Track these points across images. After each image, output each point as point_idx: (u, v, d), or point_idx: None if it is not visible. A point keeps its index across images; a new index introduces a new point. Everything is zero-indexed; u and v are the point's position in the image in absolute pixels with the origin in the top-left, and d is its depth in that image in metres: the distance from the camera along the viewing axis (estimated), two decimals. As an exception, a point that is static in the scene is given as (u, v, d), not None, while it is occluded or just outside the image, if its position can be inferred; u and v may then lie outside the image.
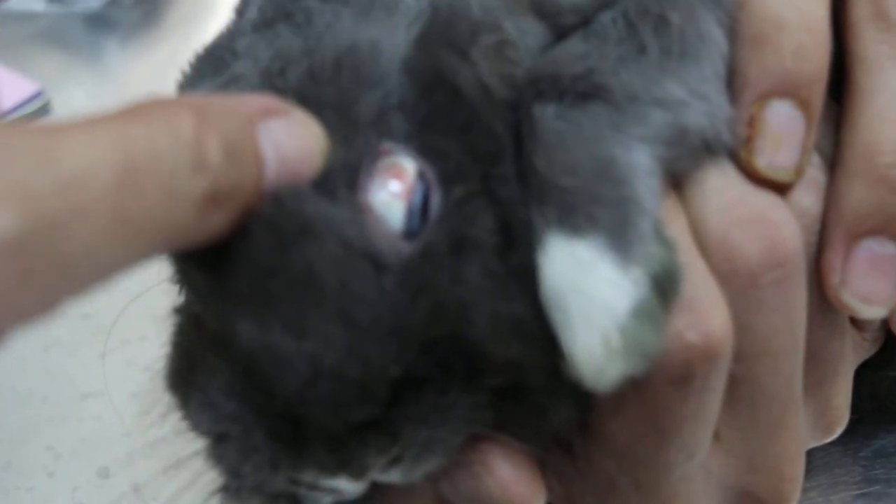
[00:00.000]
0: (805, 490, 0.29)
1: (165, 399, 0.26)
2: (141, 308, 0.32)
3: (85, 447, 0.41)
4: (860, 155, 0.26)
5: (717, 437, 0.26)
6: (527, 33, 0.25)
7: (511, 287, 0.23)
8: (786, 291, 0.25)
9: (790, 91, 0.25)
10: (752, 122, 0.25)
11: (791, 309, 0.25)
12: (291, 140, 0.22)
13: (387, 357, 0.22)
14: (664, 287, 0.22)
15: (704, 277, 0.24)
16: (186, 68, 0.27)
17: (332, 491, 0.23)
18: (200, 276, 0.23)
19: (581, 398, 0.23)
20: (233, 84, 0.24)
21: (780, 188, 0.26)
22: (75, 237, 0.18)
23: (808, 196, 0.27)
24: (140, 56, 0.66)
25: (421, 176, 0.23)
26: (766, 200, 0.26)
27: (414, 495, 0.26)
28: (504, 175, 0.24)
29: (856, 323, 0.30)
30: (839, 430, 0.30)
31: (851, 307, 0.26)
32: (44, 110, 0.59)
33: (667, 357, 0.23)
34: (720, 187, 0.25)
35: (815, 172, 0.27)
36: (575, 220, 0.22)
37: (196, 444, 0.25)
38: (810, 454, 0.29)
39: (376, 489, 0.24)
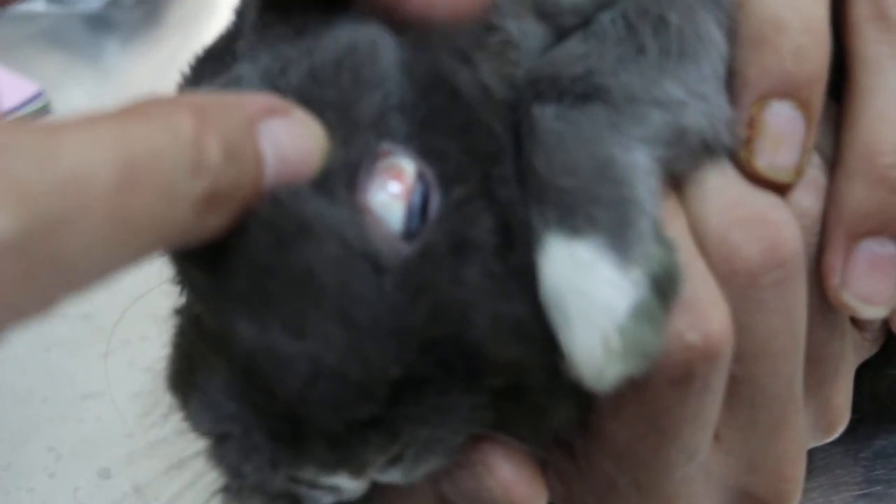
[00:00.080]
0: (806, 491, 0.29)
1: (166, 400, 0.26)
2: (142, 309, 0.32)
3: (86, 448, 0.41)
4: (860, 155, 0.26)
5: (717, 437, 0.27)
6: (527, 34, 0.25)
7: (511, 287, 0.23)
8: (786, 292, 0.25)
9: (790, 92, 0.25)
10: (752, 123, 0.25)
11: (791, 309, 0.25)
12: (291, 140, 0.22)
13: (386, 357, 0.22)
14: (664, 287, 0.23)
15: (704, 278, 0.24)
16: (186, 70, 0.27)
17: (333, 489, 0.23)
18: (200, 276, 0.23)
19: (581, 398, 0.23)
20: (233, 85, 0.24)
21: (781, 189, 0.26)
22: (74, 236, 0.18)
23: (808, 196, 0.27)
24: (140, 56, 0.66)
25: (420, 177, 0.23)
26: (766, 201, 0.26)
27: (414, 496, 0.26)
28: (503, 175, 0.24)
29: (856, 323, 0.30)
30: (840, 430, 0.30)
31: (852, 307, 0.26)
32: (44, 111, 0.59)
33: (667, 357, 0.23)
34: (720, 188, 0.25)
35: (816, 173, 0.27)
36: (574, 220, 0.22)
37: (197, 444, 0.25)
38: (811, 455, 0.29)
39: (377, 489, 0.24)
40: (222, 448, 0.23)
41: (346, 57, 0.24)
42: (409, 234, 0.23)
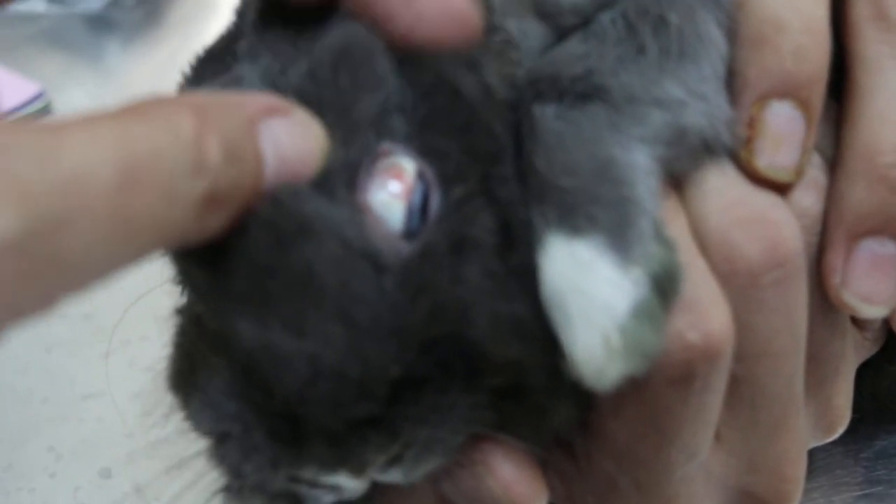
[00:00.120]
0: (807, 491, 0.29)
1: (167, 399, 0.26)
2: (142, 308, 0.32)
3: (86, 448, 0.41)
4: (860, 155, 0.26)
5: (717, 437, 0.27)
6: (528, 34, 0.25)
7: (511, 287, 0.23)
8: (786, 291, 0.25)
9: (790, 92, 0.25)
10: (752, 123, 0.25)
11: (792, 309, 0.25)
12: (292, 140, 0.22)
13: (386, 357, 0.22)
14: (664, 287, 0.23)
15: (705, 277, 0.24)
16: (187, 70, 0.27)
17: (333, 489, 0.23)
18: (200, 276, 0.23)
19: (581, 398, 0.23)
20: (234, 85, 0.24)
21: (781, 188, 0.26)
22: (74, 236, 0.18)
23: (808, 196, 0.27)
24: (141, 57, 0.66)
25: (420, 176, 0.23)
26: (766, 201, 0.26)
27: (415, 495, 0.26)
28: (504, 175, 0.24)
29: (857, 322, 0.30)
30: (840, 430, 0.30)
31: (852, 307, 0.26)
32: (45, 111, 0.59)
33: (667, 357, 0.23)
34: (720, 187, 0.25)
35: (816, 172, 0.27)
36: (575, 220, 0.22)
37: (197, 444, 0.25)
38: (812, 455, 0.29)
39: (377, 489, 0.24)
40: (223, 448, 0.23)
41: (345, 57, 0.24)
42: (409, 233, 0.23)
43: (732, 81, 0.26)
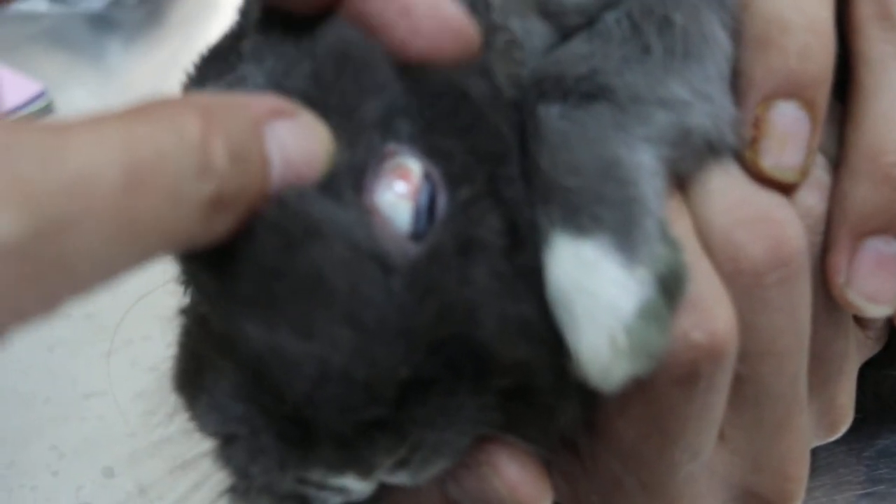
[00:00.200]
0: (809, 490, 0.29)
1: (170, 399, 0.26)
2: (144, 308, 0.32)
3: (88, 447, 0.41)
4: (865, 155, 0.26)
5: (721, 436, 0.27)
6: (532, 34, 0.25)
7: (518, 288, 0.23)
8: (790, 291, 0.25)
9: (795, 92, 0.25)
10: (758, 124, 0.25)
11: (795, 308, 0.25)
12: (297, 142, 0.22)
13: (394, 358, 0.22)
14: (669, 287, 0.23)
15: (709, 277, 0.24)
16: (191, 69, 0.27)
17: (341, 490, 0.23)
18: (207, 278, 0.23)
19: (587, 398, 0.23)
20: (238, 85, 0.24)
21: (786, 189, 0.26)
22: (79, 238, 0.17)
23: (812, 196, 0.27)
24: (143, 56, 0.66)
25: (427, 177, 0.23)
26: (770, 200, 0.26)
27: (421, 496, 0.26)
28: (510, 175, 0.23)
29: (859, 321, 0.30)
30: (844, 429, 0.30)
31: (857, 306, 0.26)
32: (47, 110, 0.59)
33: (672, 357, 0.23)
34: (724, 187, 0.25)
35: (820, 172, 0.27)
36: (580, 220, 0.22)
37: (201, 444, 0.25)
38: (814, 454, 0.29)
39: (383, 490, 0.24)
40: (229, 449, 0.23)
41: (349, 58, 0.24)
42: (416, 234, 0.23)
43: (737, 82, 0.26)
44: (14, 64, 0.60)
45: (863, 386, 0.30)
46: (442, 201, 0.23)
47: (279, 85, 0.24)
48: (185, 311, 0.26)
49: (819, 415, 0.29)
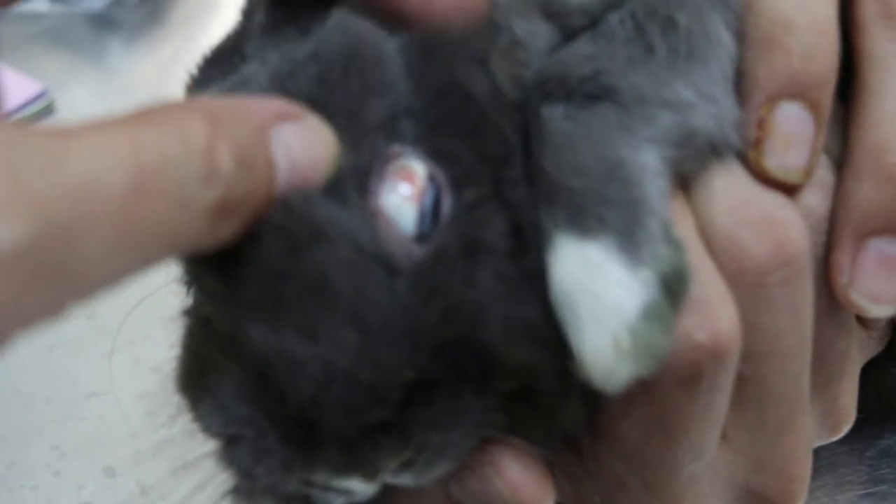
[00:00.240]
0: (811, 490, 0.29)
1: (172, 400, 0.26)
2: (146, 308, 0.32)
3: (90, 447, 0.41)
4: (868, 154, 0.26)
5: (724, 436, 0.27)
6: (535, 34, 0.25)
7: (523, 290, 0.23)
8: (793, 291, 0.25)
9: (799, 92, 0.25)
10: (762, 124, 0.25)
11: (798, 308, 0.25)
12: (302, 145, 0.22)
13: (399, 360, 0.22)
14: (673, 288, 0.23)
15: (712, 277, 0.24)
16: (194, 70, 0.27)
17: (345, 492, 0.23)
18: (212, 281, 0.23)
19: (590, 399, 0.23)
20: (242, 86, 0.24)
21: (790, 189, 0.26)
22: (84, 244, 0.17)
23: (814, 195, 0.26)
24: (144, 56, 0.66)
25: (431, 178, 0.23)
26: (772, 200, 0.25)
27: (424, 497, 0.26)
28: (514, 178, 0.23)
29: (862, 321, 0.30)
30: (846, 429, 0.30)
31: (860, 306, 0.26)
32: (48, 110, 0.59)
33: (675, 357, 0.23)
34: (727, 188, 0.25)
35: (822, 172, 0.27)
36: (584, 221, 0.22)
37: (204, 445, 0.25)
38: (816, 454, 0.29)
39: (386, 490, 0.24)
40: (233, 450, 0.23)
41: (353, 60, 0.24)
42: (421, 236, 0.23)
43: (741, 82, 0.26)
44: (15, 64, 0.60)
45: (865, 385, 0.30)
46: (446, 203, 0.23)
47: (283, 86, 0.24)
48: (189, 312, 0.26)
49: (821, 415, 0.29)
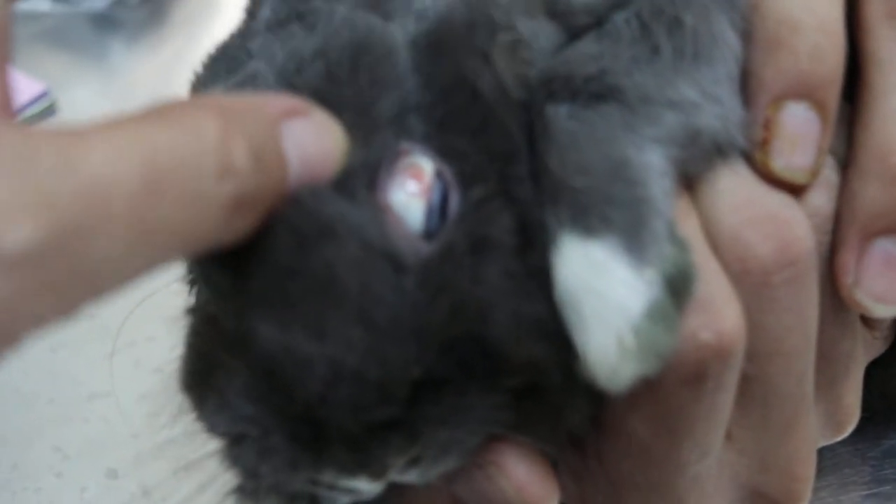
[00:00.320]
0: (815, 490, 0.29)
1: (175, 400, 0.26)
2: (147, 309, 0.32)
3: (92, 448, 0.41)
4: (874, 155, 0.26)
5: (729, 436, 0.26)
6: (540, 34, 0.25)
7: (530, 287, 0.23)
8: (798, 290, 0.25)
9: (806, 93, 0.25)
10: (768, 125, 0.25)
11: (803, 308, 0.25)
12: (313, 141, 0.22)
13: (407, 358, 0.22)
14: (678, 287, 0.22)
15: (717, 277, 0.24)
16: (199, 68, 0.27)
17: (351, 491, 0.23)
18: (220, 278, 0.23)
19: (595, 398, 0.23)
20: (249, 83, 0.24)
21: (796, 189, 0.26)
22: (97, 245, 0.17)
23: (820, 195, 0.26)
24: (146, 56, 0.66)
25: (439, 175, 0.23)
26: (777, 200, 0.25)
27: (429, 495, 0.26)
28: (521, 175, 0.23)
29: (866, 321, 0.30)
30: (850, 429, 0.30)
31: (865, 306, 0.26)
32: (50, 110, 0.59)
33: (680, 357, 0.23)
34: (732, 187, 0.25)
35: (828, 172, 0.27)
36: (588, 220, 0.22)
37: (206, 445, 0.25)
38: (820, 454, 0.29)
39: (391, 488, 0.24)
40: (238, 449, 0.23)
41: (362, 56, 0.24)
42: (428, 233, 0.23)
43: (747, 83, 0.26)
44: (17, 63, 0.60)
45: (869, 386, 0.30)
46: (454, 200, 0.23)
47: (291, 83, 0.24)
48: (193, 311, 0.26)
49: (826, 415, 0.29)
